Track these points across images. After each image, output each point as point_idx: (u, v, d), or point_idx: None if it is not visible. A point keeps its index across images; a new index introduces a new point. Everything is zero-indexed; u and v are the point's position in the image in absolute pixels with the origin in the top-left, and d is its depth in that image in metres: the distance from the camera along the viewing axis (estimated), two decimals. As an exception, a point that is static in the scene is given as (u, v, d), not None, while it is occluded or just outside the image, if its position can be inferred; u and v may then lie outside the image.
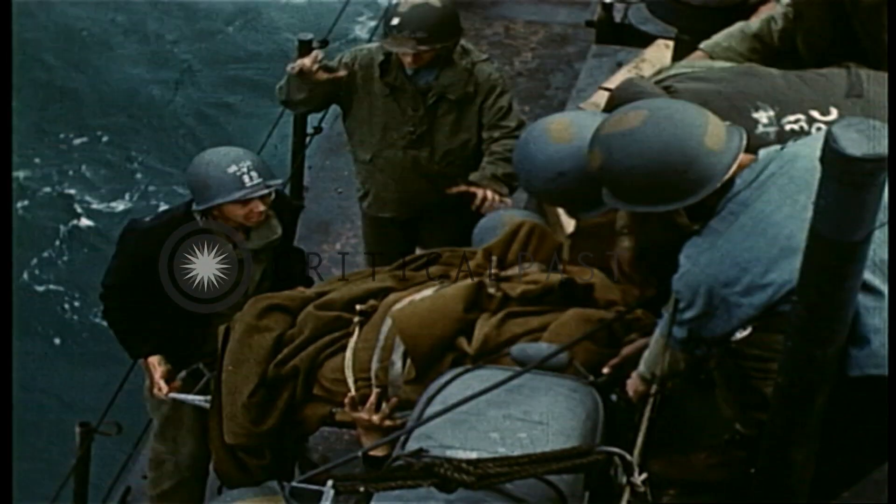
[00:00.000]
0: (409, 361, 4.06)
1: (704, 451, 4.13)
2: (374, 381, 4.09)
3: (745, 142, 3.24)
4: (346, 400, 4.10)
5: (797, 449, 3.14)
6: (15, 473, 4.62)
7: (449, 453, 3.16)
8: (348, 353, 4.16)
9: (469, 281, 4.18)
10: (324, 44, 6.68)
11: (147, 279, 4.82)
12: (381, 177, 5.55)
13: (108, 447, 5.55)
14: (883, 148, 2.48)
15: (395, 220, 5.69)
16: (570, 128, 3.70)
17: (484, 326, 4.02)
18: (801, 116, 3.55)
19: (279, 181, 4.87)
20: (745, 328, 3.22)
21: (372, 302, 4.29)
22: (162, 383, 4.92)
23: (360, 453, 3.18)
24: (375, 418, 4.04)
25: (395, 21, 5.15)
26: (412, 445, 3.22)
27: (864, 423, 3.21)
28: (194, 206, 4.84)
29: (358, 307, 4.27)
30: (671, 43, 5.48)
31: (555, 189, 3.69)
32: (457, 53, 5.34)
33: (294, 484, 3.10)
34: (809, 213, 2.91)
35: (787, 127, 3.53)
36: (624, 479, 3.17)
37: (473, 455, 3.13)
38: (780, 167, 3.16)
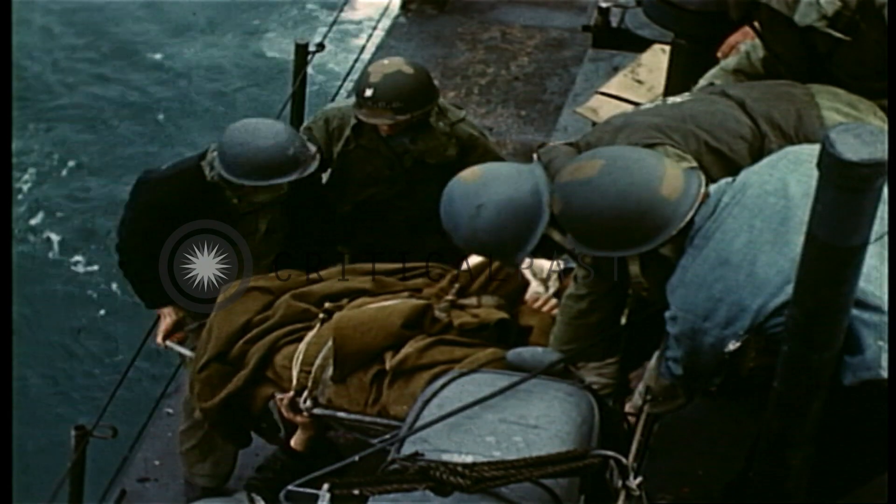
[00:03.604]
0: None
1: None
2: (312, 376, 4.26)
3: (703, 187, 3.30)
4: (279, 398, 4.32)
5: (794, 452, 3.14)
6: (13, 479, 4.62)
7: (444, 457, 3.15)
8: (301, 345, 4.32)
9: (418, 301, 4.36)
10: (320, 47, 6.69)
11: (160, 228, 4.93)
12: (362, 225, 5.45)
13: (104, 450, 5.54)
14: (879, 152, 2.49)
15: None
16: (478, 169, 3.83)
17: (410, 346, 4.18)
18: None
19: (314, 149, 4.94)
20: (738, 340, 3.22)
21: (343, 302, 4.46)
22: (162, 333, 5.12)
23: (357, 457, 3.18)
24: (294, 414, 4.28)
25: (369, 92, 5.02)
26: (408, 449, 3.22)
27: (862, 432, 3.21)
28: (230, 178, 4.83)
29: (326, 304, 4.45)
30: (668, 48, 5.48)
31: (480, 227, 3.69)
32: (433, 116, 5.21)
33: (290, 488, 3.10)
34: (767, 237, 3.08)
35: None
36: (619, 483, 3.18)
37: (469, 458, 3.13)
38: (732, 197, 3.23)
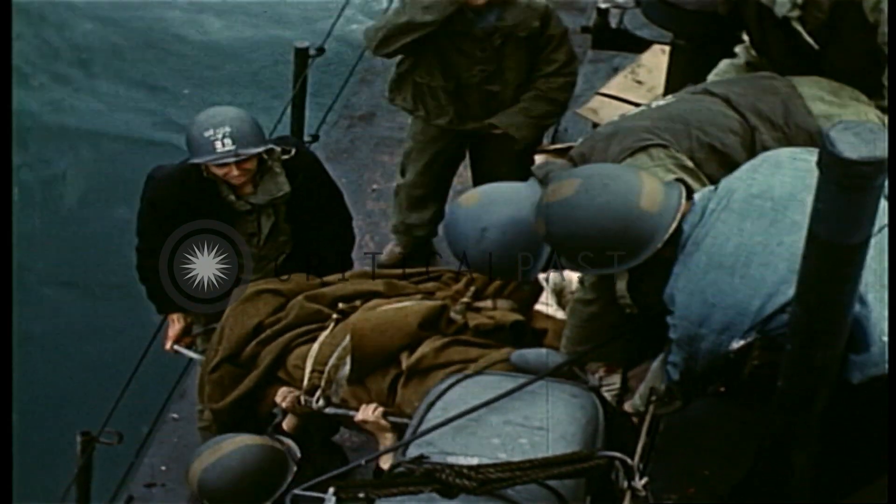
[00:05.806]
0: None
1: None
2: (325, 376, 4.33)
3: (684, 198, 3.30)
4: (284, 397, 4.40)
5: (797, 451, 3.15)
6: (15, 483, 4.62)
7: (450, 459, 3.16)
8: (315, 345, 4.40)
9: (435, 302, 4.40)
10: (320, 51, 6.69)
11: (167, 226, 4.98)
12: (460, 103, 5.74)
13: (110, 456, 5.55)
14: (879, 151, 2.49)
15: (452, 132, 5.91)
16: (475, 193, 3.87)
17: (426, 346, 4.22)
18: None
19: (256, 150, 4.83)
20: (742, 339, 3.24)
21: (356, 303, 4.52)
22: (171, 339, 5.20)
23: (363, 461, 3.19)
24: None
25: None
26: (413, 452, 3.23)
27: (867, 431, 3.22)
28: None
29: (340, 305, 4.53)
30: (667, 48, 5.49)
31: (487, 248, 3.70)
32: None
33: (296, 491, 3.11)
34: (758, 239, 3.10)
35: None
36: (625, 484, 3.19)
37: (474, 461, 3.14)
38: (718, 203, 3.23)
